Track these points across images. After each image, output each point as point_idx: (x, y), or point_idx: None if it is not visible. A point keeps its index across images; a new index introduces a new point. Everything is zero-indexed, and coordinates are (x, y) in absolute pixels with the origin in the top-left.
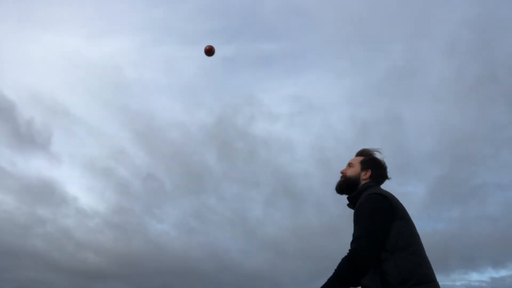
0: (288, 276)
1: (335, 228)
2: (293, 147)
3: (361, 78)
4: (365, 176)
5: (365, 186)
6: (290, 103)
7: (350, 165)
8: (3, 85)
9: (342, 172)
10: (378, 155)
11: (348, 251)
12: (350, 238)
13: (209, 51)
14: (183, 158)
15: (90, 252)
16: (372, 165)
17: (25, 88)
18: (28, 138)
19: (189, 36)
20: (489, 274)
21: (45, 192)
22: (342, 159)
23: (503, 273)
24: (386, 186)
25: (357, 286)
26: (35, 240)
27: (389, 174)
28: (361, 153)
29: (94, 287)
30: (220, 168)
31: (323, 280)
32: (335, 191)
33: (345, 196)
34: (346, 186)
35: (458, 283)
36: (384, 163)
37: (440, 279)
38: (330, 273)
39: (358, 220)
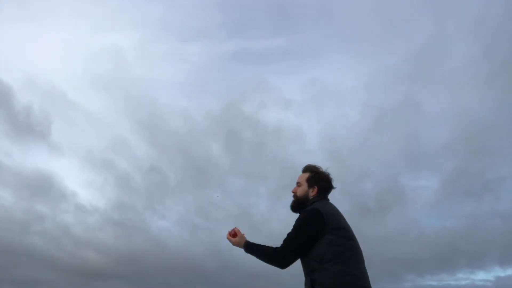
0: (292, 275)
1: None
2: (303, 136)
3: (378, 62)
4: (312, 193)
5: (311, 201)
6: (302, 89)
7: (298, 184)
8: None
9: (293, 192)
10: (322, 169)
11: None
12: (357, 235)
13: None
14: (187, 149)
15: (90, 250)
16: (317, 181)
17: (22, 72)
18: (26, 127)
19: (194, 26)
20: (495, 273)
21: (44, 187)
22: (354, 151)
23: (510, 271)
24: (396, 185)
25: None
26: (34, 237)
27: (338, 182)
28: (306, 169)
29: (94, 286)
30: (226, 161)
31: None
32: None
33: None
34: (297, 205)
35: (462, 283)
36: (328, 175)
37: (445, 278)
38: None
39: (292, 227)
